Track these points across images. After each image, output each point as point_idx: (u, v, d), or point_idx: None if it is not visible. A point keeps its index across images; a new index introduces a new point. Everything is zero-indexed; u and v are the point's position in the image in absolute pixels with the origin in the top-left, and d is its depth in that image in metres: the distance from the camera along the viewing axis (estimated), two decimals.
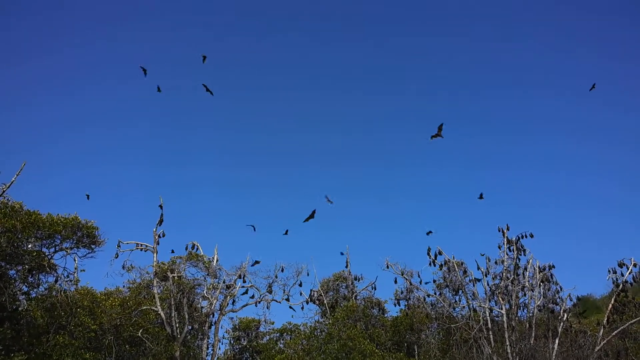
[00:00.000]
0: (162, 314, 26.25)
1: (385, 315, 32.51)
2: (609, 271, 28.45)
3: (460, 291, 29.67)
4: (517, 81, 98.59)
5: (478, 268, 28.83)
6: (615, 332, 26.66)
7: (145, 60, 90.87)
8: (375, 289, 33.02)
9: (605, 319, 27.46)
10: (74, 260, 24.75)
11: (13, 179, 20.51)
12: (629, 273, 28.03)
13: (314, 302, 32.51)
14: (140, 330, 24.09)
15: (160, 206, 28.72)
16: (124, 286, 28.77)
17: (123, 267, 28.36)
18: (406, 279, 31.13)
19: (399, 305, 32.06)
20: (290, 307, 31.14)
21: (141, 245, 28.72)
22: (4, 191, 20.32)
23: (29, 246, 20.46)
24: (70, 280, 23.59)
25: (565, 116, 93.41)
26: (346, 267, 33.53)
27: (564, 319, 27.18)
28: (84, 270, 24.92)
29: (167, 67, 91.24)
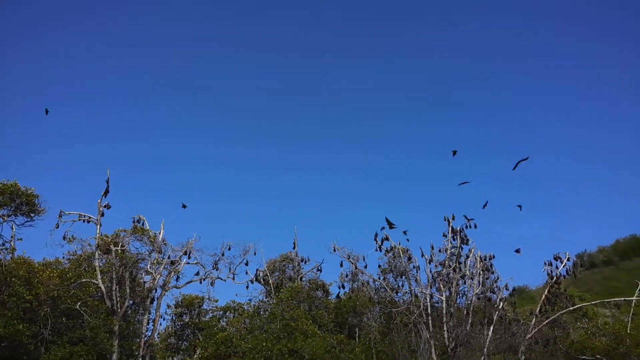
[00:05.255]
0: (102, 287, 25.67)
1: (329, 297, 32.92)
2: (544, 263, 29.77)
3: (403, 277, 30.39)
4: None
5: (422, 255, 29.54)
6: (546, 321, 28.00)
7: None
8: (321, 272, 33.40)
9: (538, 309, 28.81)
10: (11, 228, 24.01)
11: None
12: (563, 266, 29.45)
13: (260, 282, 32.53)
14: (79, 303, 23.51)
15: (107, 180, 27.95)
16: (64, 257, 27.94)
17: (64, 238, 27.51)
18: (352, 263, 31.59)
19: (344, 288, 32.63)
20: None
21: (84, 216, 27.91)
22: None
23: None
24: (6, 249, 22.81)
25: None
26: (293, 248, 33.67)
27: (500, 307, 28.27)
28: (21, 239, 24.25)
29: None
